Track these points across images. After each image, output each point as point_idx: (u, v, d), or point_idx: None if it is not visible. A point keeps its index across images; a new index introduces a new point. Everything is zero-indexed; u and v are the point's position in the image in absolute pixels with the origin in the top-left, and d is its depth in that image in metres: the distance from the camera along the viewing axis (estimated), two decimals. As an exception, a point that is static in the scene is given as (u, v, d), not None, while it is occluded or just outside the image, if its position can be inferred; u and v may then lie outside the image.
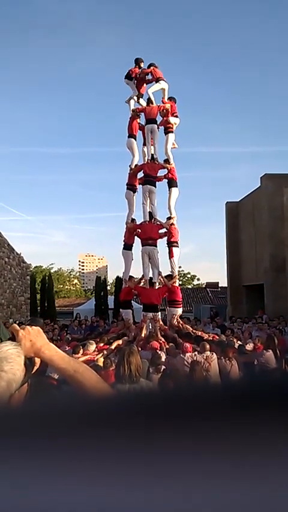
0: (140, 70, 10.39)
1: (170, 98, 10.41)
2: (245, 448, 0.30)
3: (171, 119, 10.29)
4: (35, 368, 1.16)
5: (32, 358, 1.13)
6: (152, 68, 10.27)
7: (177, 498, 0.29)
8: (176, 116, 10.51)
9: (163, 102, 10.37)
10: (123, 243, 9.90)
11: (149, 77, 10.48)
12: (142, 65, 10.45)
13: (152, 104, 10.06)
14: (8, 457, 0.32)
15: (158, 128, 10.18)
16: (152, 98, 10.08)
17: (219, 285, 29.29)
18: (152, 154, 10.02)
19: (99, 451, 0.31)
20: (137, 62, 10.49)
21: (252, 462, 0.30)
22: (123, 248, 9.85)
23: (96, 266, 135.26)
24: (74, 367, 1.12)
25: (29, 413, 0.40)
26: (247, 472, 0.29)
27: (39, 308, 20.38)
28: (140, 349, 6.06)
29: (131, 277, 9.66)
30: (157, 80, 10.15)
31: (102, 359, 5.21)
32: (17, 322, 14.27)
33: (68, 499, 0.29)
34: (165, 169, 10.00)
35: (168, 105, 10.24)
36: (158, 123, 10.20)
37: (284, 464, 0.29)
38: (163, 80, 10.15)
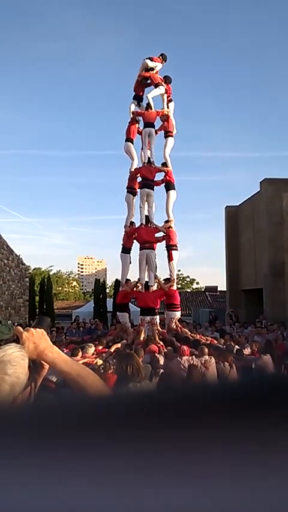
0: (161, 62, 10.56)
1: (165, 77, 10.50)
2: (245, 448, 0.31)
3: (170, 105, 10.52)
4: (44, 371, 1.15)
5: (38, 361, 1.12)
6: (151, 72, 10.36)
7: (177, 498, 0.29)
8: (171, 100, 10.62)
9: (166, 101, 10.50)
10: (121, 246, 9.91)
11: (148, 81, 10.58)
12: (157, 60, 10.55)
13: (151, 108, 10.10)
14: (8, 458, 0.33)
15: (156, 132, 10.24)
16: (151, 103, 10.13)
17: (218, 289, 29.23)
18: (149, 158, 10.04)
19: (98, 452, 0.32)
20: (163, 56, 10.71)
21: (251, 462, 0.30)
22: (121, 251, 9.85)
23: (95, 269, 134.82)
24: (77, 370, 1.12)
25: (30, 413, 0.41)
26: (247, 471, 0.30)
27: (37, 310, 20.28)
28: (138, 352, 6.04)
29: (127, 280, 9.65)
30: (156, 85, 10.21)
31: (101, 362, 5.19)
32: (16, 323, 14.15)
33: (68, 499, 0.30)
34: (163, 173, 10.03)
35: (167, 111, 10.33)
36: (157, 127, 10.28)
37: (283, 464, 0.30)
38: (162, 85, 10.22)
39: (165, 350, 6.72)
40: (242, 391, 0.38)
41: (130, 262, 9.85)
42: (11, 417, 0.39)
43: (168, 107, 10.45)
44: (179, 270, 35.43)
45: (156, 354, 5.98)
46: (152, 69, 10.41)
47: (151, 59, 10.41)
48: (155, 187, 9.84)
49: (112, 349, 6.61)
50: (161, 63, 10.62)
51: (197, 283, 43.20)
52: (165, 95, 10.39)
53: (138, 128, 10.50)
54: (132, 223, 9.89)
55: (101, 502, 0.30)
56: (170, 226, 9.63)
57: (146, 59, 10.40)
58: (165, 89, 10.34)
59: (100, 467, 0.31)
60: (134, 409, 0.37)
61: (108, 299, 21.04)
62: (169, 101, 10.57)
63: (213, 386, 0.47)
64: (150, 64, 10.34)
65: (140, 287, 9.40)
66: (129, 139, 10.26)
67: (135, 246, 9.72)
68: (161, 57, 10.61)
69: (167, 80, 10.50)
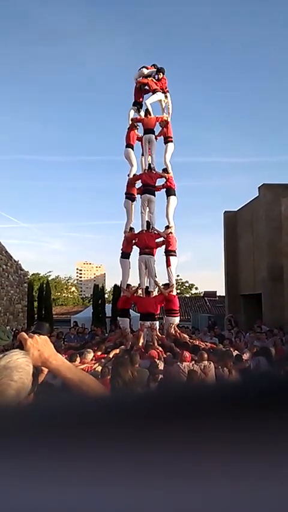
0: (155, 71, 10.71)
1: (159, 69, 10.63)
2: (245, 448, 0.31)
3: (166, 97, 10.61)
4: (43, 376, 1.16)
5: (39, 367, 1.13)
6: (149, 79, 10.49)
7: (177, 498, 0.29)
8: (167, 91, 10.71)
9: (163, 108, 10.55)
10: (121, 251, 9.92)
11: (146, 87, 10.71)
12: (151, 68, 10.67)
13: (150, 114, 10.21)
14: (8, 457, 0.33)
15: (156, 138, 10.31)
16: (150, 109, 10.23)
17: (217, 294, 29.21)
18: (149, 164, 10.11)
19: (98, 452, 0.32)
20: (154, 66, 10.86)
21: (251, 462, 0.30)
22: (121, 257, 9.87)
23: (94, 274, 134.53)
24: (80, 377, 1.14)
25: (30, 413, 0.41)
26: (247, 471, 0.30)
27: (36, 316, 20.21)
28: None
29: (128, 285, 9.66)
30: (154, 92, 10.31)
31: (100, 368, 5.17)
32: (14, 329, 14.06)
33: (68, 499, 0.30)
34: (164, 178, 10.08)
35: (166, 116, 10.42)
36: (157, 133, 10.36)
37: (283, 464, 0.30)
38: (159, 91, 10.34)
39: (165, 355, 6.70)
40: (241, 391, 0.38)
41: (130, 268, 9.87)
42: (10, 417, 0.39)
43: (167, 113, 10.55)
44: (177, 275, 35.44)
45: (156, 360, 5.96)
46: (150, 76, 10.59)
47: (146, 68, 10.71)
48: (155, 192, 9.90)
49: (111, 355, 6.59)
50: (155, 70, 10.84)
51: (196, 288, 43.22)
52: (164, 101, 10.50)
53: (138, 134, 10.58)
54: (131, 228, 9.92)
55: (101, 502, 0.30)
56: (170, 232, 9.66)
57: (142, 68, 10.70)
58: (163, 93, 10.42)
59: (100, 467, 0.31)
60: (133, 409, 0.37)
61: (107, 304, 20.97)
62: (166, 92, 10.69)
63: (213, 386, 0.47)
64: (146, 72, 10.61)
65: (140, 292, 9.40)
66: (129, 145, 10.34)
67: (135, 251, 9.75)
68: (153, 66, 10.85)
69: (160, 71, 10.63)
